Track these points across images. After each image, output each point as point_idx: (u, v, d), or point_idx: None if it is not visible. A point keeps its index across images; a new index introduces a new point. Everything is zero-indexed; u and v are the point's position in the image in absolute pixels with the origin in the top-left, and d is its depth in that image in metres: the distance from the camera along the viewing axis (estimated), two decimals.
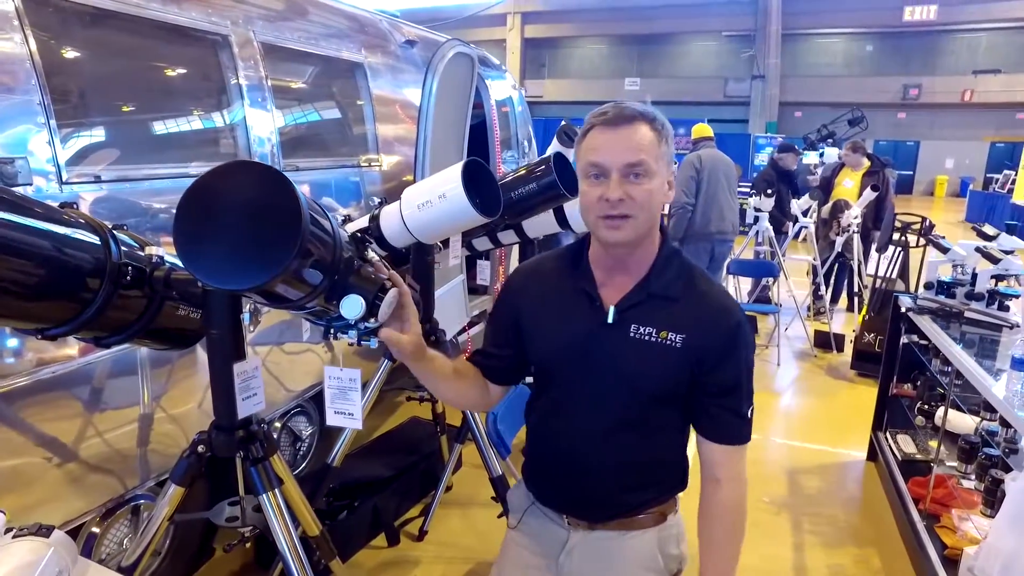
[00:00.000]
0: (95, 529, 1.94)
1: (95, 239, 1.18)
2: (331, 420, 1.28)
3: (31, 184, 1.67)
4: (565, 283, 1.23)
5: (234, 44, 2.32)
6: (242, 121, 2.35)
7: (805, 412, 4.55)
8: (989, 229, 3.19)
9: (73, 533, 1.91)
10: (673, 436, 1.25)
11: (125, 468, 1.99)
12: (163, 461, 2.05)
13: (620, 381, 1.18)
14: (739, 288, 6.00)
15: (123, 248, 1.25)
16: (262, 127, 2.42)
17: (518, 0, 24.01)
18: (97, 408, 1.91)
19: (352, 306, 1.01)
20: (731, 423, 1.19)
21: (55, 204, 1.23)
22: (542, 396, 1.30)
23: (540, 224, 2.49)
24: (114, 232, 1.27)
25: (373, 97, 3.17)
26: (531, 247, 2.83)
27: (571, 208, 2.42)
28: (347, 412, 1.27)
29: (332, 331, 1.20)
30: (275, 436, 2.79)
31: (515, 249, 5.23)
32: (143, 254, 1.28)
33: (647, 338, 1.15)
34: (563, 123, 5.55)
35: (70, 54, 1.86)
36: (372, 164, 3.18)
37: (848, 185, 6.25)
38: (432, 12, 19.39)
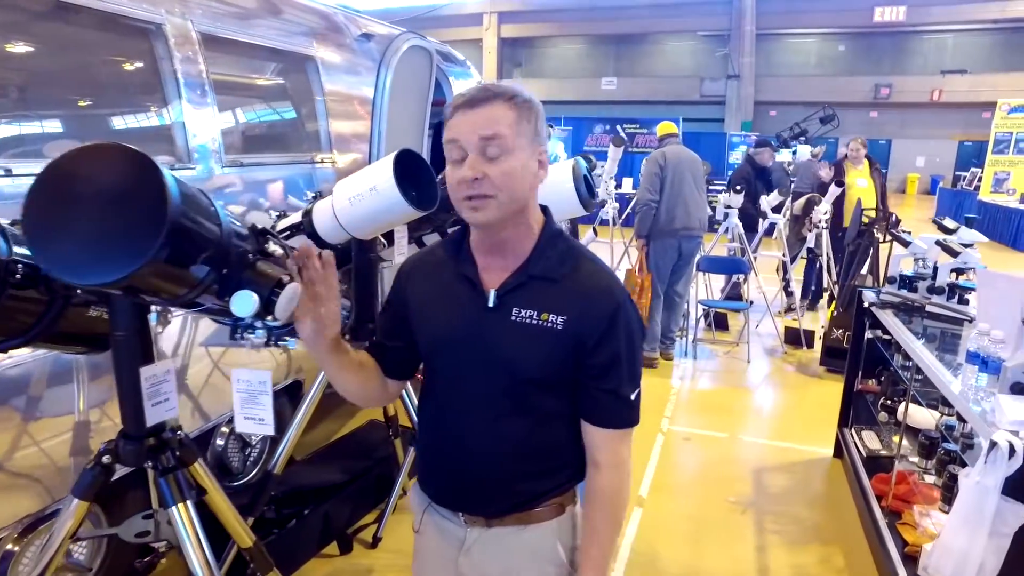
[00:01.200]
0: (11, 547, 1.82)
1: None
2: (240, 426, 1.20)
3: None
4: (448, 270, 1.20)
5: (169, 34, 2.21)
6: (179, 115, 2.25)
7: (774, 409, 4.54)
8: (949, 223, 3.18)
9: None
10: (563, 424, 1.20)
11: (51, 480, 1.88)
12: None
13: (501, 366, 1.13)
14: (710, 285, 5.98)
15: (12, 244, 1.15)
16: (201, 122, 2.32)
17: None
18: (24, 414, 1.81)
19: (243, 303, 0.93)
20: (610, 405, 1.15)
21: None
22: (429, 387, 1.25)
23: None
24: (3, 228, 1.17)
25: (326, 92, 3.07)
26: None
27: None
28: (257, 417, 1.19)
29: (239, 331, 1.11)
30: (222, 442, 2.68)
31: None
32: None
33: (528, 321, 1.12)
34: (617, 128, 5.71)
35: None
36: (325, 161, 3.09)
37: (862, 184, 6.22)
38: (407, 11, 19.30)
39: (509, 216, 1.09)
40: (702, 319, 5.92)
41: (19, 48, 1.89)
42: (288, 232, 1.78)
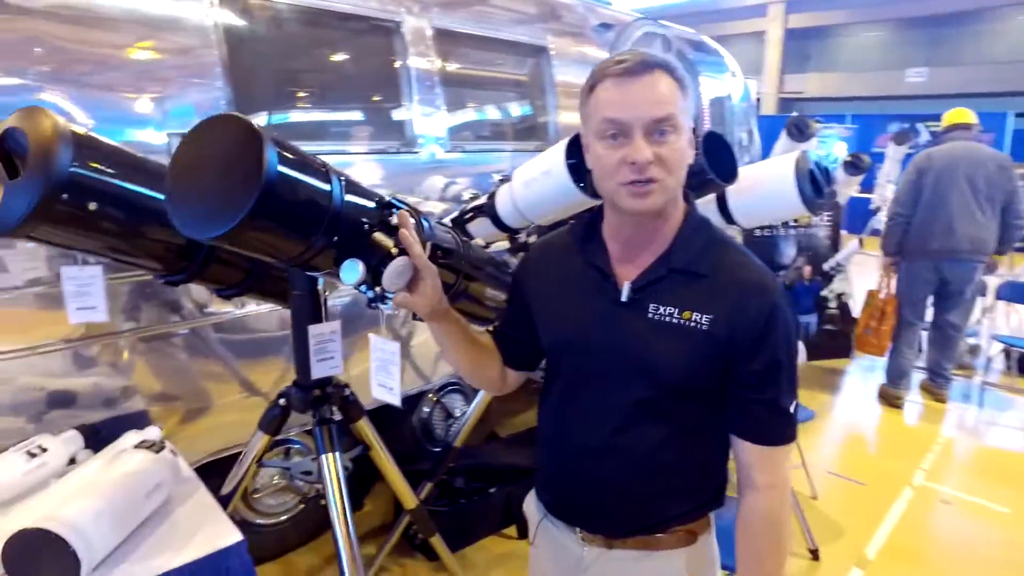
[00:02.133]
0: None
1: None
2: (375, 393, 1.25)
3: None
4: (575, 259, 1.10)
5: (406, 31, 2.43)
6: (409, 105, 2.46)
7: None
8: None
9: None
10: (704, 439, 1.08)
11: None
12: None
13: (636, 369, 1.02)
14: (1018, 317, 4.77)
15: None
16: (429, 111, 2.52)
17: None
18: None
19: (350, 271, 0.96)
20: (768, 419, 1.03)
21: None
22: (550, 388, 1.15)
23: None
24: None
25: (556, 83, 3.11)
26: None
27: (736, 199, 2.10)
28: (388, 386, 1.22)
29: (373, 300, 1.16)
30: (428, 409, 2.90)
31: None
32: None
33: (668, 319, 1.00)
34: (793, 115, 4.94)
35: (249, 47, 2.10)
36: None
37: None
38: (685, 7, 18.81)
39: (669, 202, 1.00)
40: (1000, 358, 4.77)
41: (280, 56, 2.24)
42: (472, 213, 1.83)
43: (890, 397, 4.17)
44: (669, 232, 1.04)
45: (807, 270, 4.74)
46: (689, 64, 4.12)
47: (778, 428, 1.03)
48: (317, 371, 1.42)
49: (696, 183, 1.89)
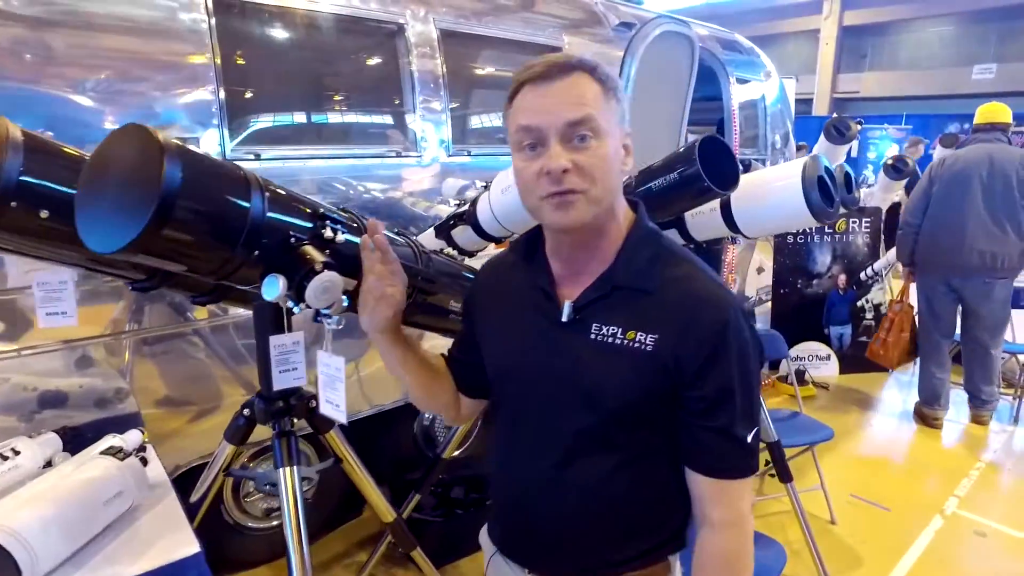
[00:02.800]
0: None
1: None
2: (322, 409, 1.21)
3: None
4: (519, 279, 1.03)
5: (409, 33, 2.39)
6: (410, 107, 2.43)
7: None
8: None
9: None
10: (657, 472, 0.98)
11: None
12: None
13: (577, 394, 0.95)
14: None
15: None
16: (432, 113, 2.47)
17: None
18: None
19: (270, 286, 0.92)
20: (722, 449, 0.94)
21: None
22: (497, 417, 1.08)
23: (707, 225, 2.09)
24: None
25: None
26: (705, 254, 2.40)
27: (740, 207, 1.98)
28: (334, 403, 1.18)
29: (319, 314, 1.12)
30: (430, 416, 2.86)
31: (755, 258, 4.63)
32: None
33: (611, 340, 0.93)
34: (832, 117, 4.72)
35: (242, 50, 2.09)
36: None
37: None
38: (738, 5, 18.34)
39: (600, 214, 0.91)
40: None
41: (277, 58, 2.23)
42: (454, 221, 1.77)
43: (926, 417, 3.92)
44: (611, 247, 0.96)
45: (842, 279, 4.52)
46: (719, 64, 3.98)
47: (733, 459, 0.94)
48: (279, 382, 1.39)
49: (695, 191, 1.80)
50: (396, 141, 2.46)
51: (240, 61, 2.05)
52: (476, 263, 1.90)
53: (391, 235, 1.32)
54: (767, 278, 4.68)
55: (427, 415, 2.86)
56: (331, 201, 2.26)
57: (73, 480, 1.38)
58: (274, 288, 0.91)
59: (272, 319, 1.39)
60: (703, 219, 2.07)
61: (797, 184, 1.80)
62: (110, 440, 1.62)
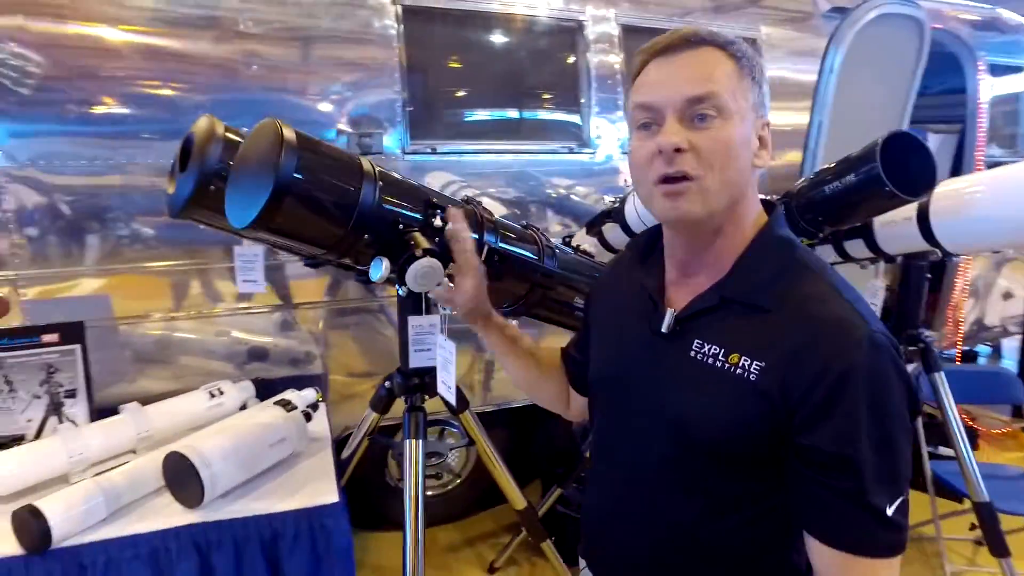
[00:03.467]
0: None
1: None
2: (439, 390, 1.29)
3: (382, 152, 2.14)
4: (633, 280, 0.95)
5: (589, 29, 2.40)
6: (586, 104, 2.44)
7: None
8: None
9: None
10: (759, 520, 0.83)
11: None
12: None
13: (661, 418, 0.85)
14: None
15: None
16: (608, 110, 2.47)
17: None
18: None
19: (375, 268, 1.00)
20: (846, 515, 0.74)
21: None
22: (593, 427, 1.02)
23: (899, 236, 1.80)
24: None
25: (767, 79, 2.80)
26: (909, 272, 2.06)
27: (940, 217, 1.67)
28: (448, 385, 1.25)
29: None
30: None
31: (1000, 282, 3.87)
32: None
33: (711, 361, 0.80)
34: None
35: (427, 54, 2.27)
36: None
37: None
38: None
39: (720, 210, 0.79)
40: None
41: (456, 59, 2.37)
42: (604, 219, 1.76)
43: None
44: (731, 252, 0.83)
45: None
46: (964, 48, 3.38)
47: (863, 529, 0.74)
48: (414, 360, 1.50)
49: (877, 196, 1.57)
50: (570, 137, 2.49)
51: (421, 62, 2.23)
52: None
53: (517, 226, 1.35)
54: (1017, 306, 3.88)
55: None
56: (503, 195, 2.39)
57: (249, 422, 1.63)
58: (378, 269, 1.00)
59: (413, 301, 1.50)
60: (894, 230, 1.79)
61: (1014, 190, 1.48)
62: (287, 394, 1.89)
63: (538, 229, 1.37)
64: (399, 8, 2.10)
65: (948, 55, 3.40)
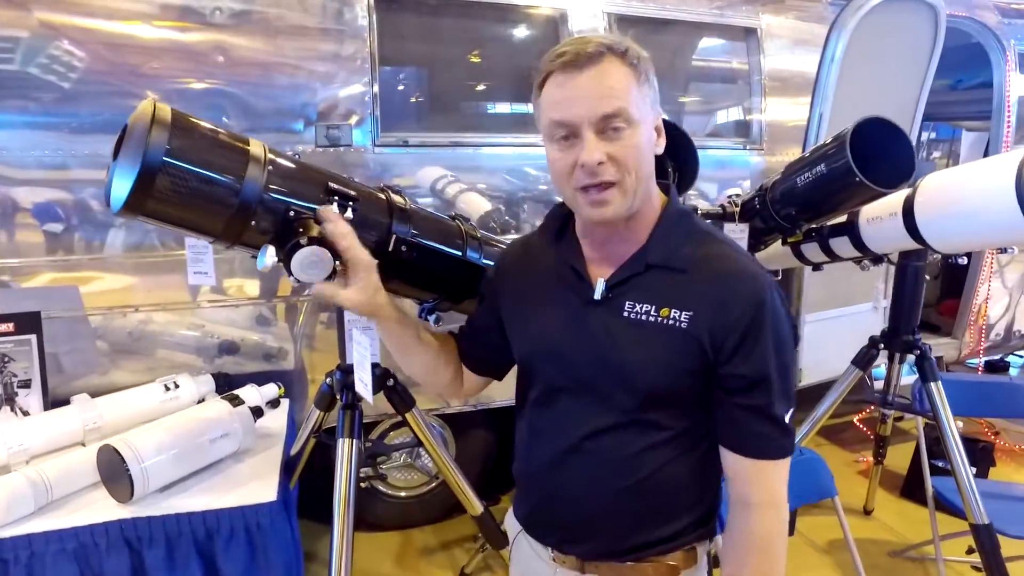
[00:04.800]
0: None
1: None
2: (357, 387, 1.23)
3: (351, 145, 2.10)
4: (548, 259, 1.04)
5: (573, 20, 2.32)
6: None
7: None
8: None
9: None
10: (688, 453, 0.98)
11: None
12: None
13: (610, 371, 0.95)
14: None
15: None
16: None
17: None
18: None
19: (261, 256, 0.95)
20: (759, 428, 0.93)
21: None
22: (524, 397, 1.08)
23: (885, 233, 1.67)
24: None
25: (764, 70, 2.68)
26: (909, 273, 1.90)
27: (926, 214, 1.53)
28: (364, 382, 1.19)
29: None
30: None
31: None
32: None
33: (644, 318, 0.93)
34: None
35: (399, 44, 2.22)
36: (752, 149, 2.72)
37: None
38: None
39: (635, 203, 0.92)
40: None
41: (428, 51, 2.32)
42: None
43: None
44: (644, 228, 0.96)
45: None
46: (991, 37, 3.18)
47: (771, 438, 0.93)
48: (351, 355, 1.45)
49: (849, 189, 1.46)
50: None
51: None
52: None
53: (442, 216, 1.29)
54: None
55: None
56: (485, 187, 2.32)
57: (192, 416, 1.60)
58: (262, 259, 0.94)
59: None
60: (880, 226, 1.66)
61: (1009, 187, 1.35)
62: (245, 390, 1.86)
63: (466, 220, 1.30)
64: None
65: (973, 45, 3.21)
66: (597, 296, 0.95)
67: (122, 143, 0.92)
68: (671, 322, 0.91)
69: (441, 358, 1.15)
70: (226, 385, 1.98)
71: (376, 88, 2.08)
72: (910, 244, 1.63)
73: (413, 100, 2.32)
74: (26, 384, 1.74)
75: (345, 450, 1.43)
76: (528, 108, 2.48)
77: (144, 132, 0.87)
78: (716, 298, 0.90)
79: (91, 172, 1.89)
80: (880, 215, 1.65)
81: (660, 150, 0.94)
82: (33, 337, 1.75)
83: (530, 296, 1.04)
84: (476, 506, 1.78)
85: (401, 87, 2.28)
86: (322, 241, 0.95)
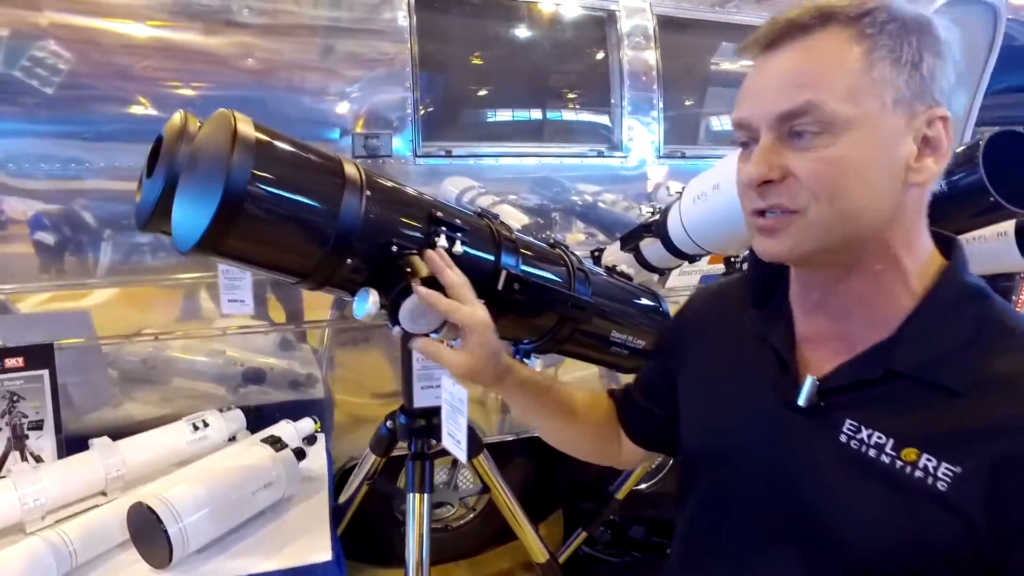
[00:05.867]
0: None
1: None
2: (444, 442, 1.06)
3: (390, 156, 1.93)
4: (747, 325, 0.75)
5: (622, 21, 2.17)
6: (617, 104, 2.21)
7: None
8: None
9: None
10: None
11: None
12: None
13: (795, 521, 0.65)
14: None
15: None
16: (641, 112, 2.23)
17: None
18: None
19: (359, 302, 0.78)
20: None
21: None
22: (686, 500, 0.80)
23: (990, 253, 1.53)
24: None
25: None
26: None
27: None
28: (456, 438, 1.03)
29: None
30: None
31: None
32: None
33: (872, 453, 0.61)
34: None
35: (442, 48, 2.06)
36: None
37: None
38: None
39: (840, 248, 0.62)
40: None
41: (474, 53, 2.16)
42: (642, 232, 1.52)
43: None
44: (894, 305, 0.64)
45: None
46: None
47: None
48: (420, 399, 1.28)
49: (977, 207, 1.31)
50: (599, 140, 2.26)
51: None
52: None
53: (543, 245, 1.12)
54: None
55: None
56: (524, 202, 2.17)
57: (230, 465, 1.42)
58: (363, 305, 0.78)
59: None
60: (985, 247, 1.52)
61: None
62: (280, 427, 1.68)
63: (567, 248, 1.14)
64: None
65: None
66: (802, 402, 0.66)
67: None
68: (919, 474, 0.58)
69: (584, 426, 0.94)
70: (256, 419, 1.80)
71: (417, 94, 1.91)
72: (1018, 265, 1.50)
73: (457, 108, 2.16)
74: (38, 425, 1.55)
75: (416, 506, 1.26)
76: (575, 115, 2.36)
77: (222, 152, 0.70)
78: (1014, 453, 0.56)
79: (102, 183, 1.71)
80: (984, 234, 1.51)
81: (925, 176, 0.61)
82: (45, 372, 1.56)
83: (712, 371, 0.78)
84: (542, 553, 1.62)
85: (444, 94, 2.11)
86: (434, 283, 0.79)
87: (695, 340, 0.83)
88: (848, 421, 0.63)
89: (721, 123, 2.63)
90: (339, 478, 1.85)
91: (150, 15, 1.71)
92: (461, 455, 1.03)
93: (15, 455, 1.51)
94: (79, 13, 1.65)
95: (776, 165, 0.61)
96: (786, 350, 0.69)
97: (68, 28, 1.63)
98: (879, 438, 0.61)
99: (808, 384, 0.65)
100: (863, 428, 0.62)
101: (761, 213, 0.64)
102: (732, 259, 1.66)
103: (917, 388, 0.61)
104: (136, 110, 1.70)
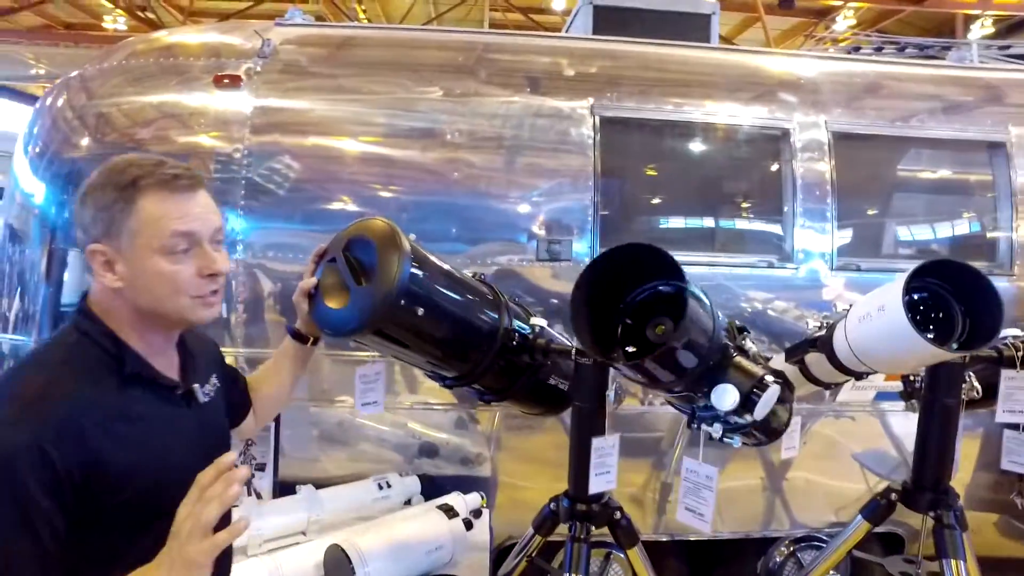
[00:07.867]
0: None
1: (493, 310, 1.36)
2: (679, 516, 1.17)
3: (570, 260, 2.12)
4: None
5: (795, 137, 2.25)
6: (789, 215, 2.26)
7: None
8: None
9: None
10: None
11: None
12: None
13: None
14: None
15: (513, 316, 1.42)
16: (814, 222, 2.25)
17: None
18: None
19: (723, 396, 0.93)
20: None
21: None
22: None
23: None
24: (507, 303, 1.45)
25: (1015, 186, 2.40)
26: None
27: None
28: (698, 512, 1.13)
29: (696, 420, 1.12)
30: (778, 559, 2.47)
31: None
32: (528, 324, 1.43)
33: None
34: None
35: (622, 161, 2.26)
36: (1001, 275, 2.41)
37: None
38: None
39: None
40: None
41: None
42: (808, 346, 1.53)
43: None
44: None
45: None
46: None
47: None
48: (595, 485, 1.37)
49: None
50: (770, 250, 2.30)
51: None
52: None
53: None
54: None
55: (776, 557, 2.47)
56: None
57: (410, 524, 1.60)
58: (728, 397, 0.93)
59: (594, 421, 1.39)
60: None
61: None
62: (453, 497, 1.85)
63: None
64: (597, 118, 2.13)
65: None
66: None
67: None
68: None
69: None
70: (430, 488, 1.98)
71: (598, 200, 2.11)
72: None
73: (633, 215, 2.33)
74: (262, 467, 1.85)
75: None
76: (748, 225, 2.42)
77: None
78: None
79: None
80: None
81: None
82: (272, 423, 1.87)
83: None
84: None
85: (622, 202, 2.30)
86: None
87: None
88: None
89: (905, 234, 2.55)
90: (496, 555, 1.94)
91: (379, 134, 2.12)
92: (704, 527, 1.12)
93: (243, 491, 1.81)
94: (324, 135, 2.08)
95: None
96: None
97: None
98: None
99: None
100: None
101: (202, 296, 0.95)
102: (912, 378, 1.60)
103: None
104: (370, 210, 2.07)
